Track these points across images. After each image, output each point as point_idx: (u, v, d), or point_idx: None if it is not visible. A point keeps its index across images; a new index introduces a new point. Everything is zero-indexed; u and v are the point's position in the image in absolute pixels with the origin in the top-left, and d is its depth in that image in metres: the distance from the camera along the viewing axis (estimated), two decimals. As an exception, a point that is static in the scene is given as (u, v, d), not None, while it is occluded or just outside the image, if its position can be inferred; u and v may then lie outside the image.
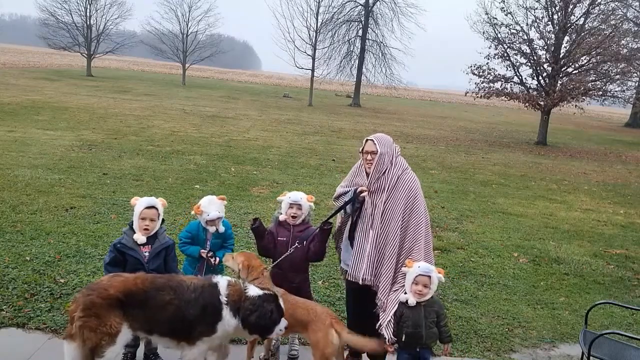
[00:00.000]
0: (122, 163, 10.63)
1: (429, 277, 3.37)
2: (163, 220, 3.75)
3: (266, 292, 3.28)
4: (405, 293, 3.43)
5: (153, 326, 3.16)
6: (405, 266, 3.46)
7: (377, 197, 3.61)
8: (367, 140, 3.68)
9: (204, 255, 3.94)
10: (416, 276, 3.37)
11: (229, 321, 3.17)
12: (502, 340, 4.66)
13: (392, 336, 3.42)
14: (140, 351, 3.82)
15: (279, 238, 3.90)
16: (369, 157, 3.62)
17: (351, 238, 3.75)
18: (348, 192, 3.77)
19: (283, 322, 3.29)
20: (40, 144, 11.76)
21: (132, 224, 3.64)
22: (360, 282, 3.63)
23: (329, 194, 9.21)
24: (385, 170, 3.61)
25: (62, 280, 4.88)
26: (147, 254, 3.59)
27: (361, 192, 3.63)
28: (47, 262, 5.26)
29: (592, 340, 3.63)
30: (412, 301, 3.38)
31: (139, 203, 3.63)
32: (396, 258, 3.58)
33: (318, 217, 7.26)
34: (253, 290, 3.25)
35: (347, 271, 3.78)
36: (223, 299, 3.17)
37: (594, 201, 11.73)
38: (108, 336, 3.02)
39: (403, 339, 3.39)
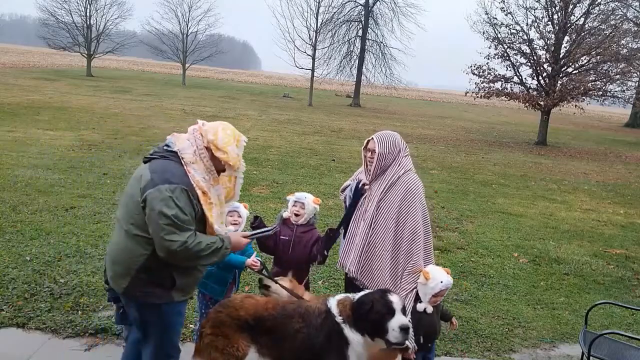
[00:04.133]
0: (123, 163, 10.63)
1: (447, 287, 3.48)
2: None
3: (373, 291, 3.08)
4: (420, 301, 3.48)
5: (282, 354, 3.01)
6: (417, 275, 3.47)
7: (374, 192, 3.62)
8: (370, 138, 3.67)
9: (254, 266, 3.52)
10: (439, 290, 3.45)
11: (355, 340, 2.92)
12: (502, 340, 4.66)
13: (414, 344, 3.43)
14: (140, 351, 3.83)
15: (281, 237, 3.90)
16: (369, 155, 3.63)
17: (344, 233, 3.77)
18: (350, 185, 3.81)
19: (398, 320, 2.85)
20: (40, 144, 11.76)
21: None
22: (346, 271, 3.64)
23: (329, 194, 9.22)
24: (387, 169, 3.60)
25: (62, 280, 4.88)
26: None
27: (364, 184, 3.64)
28: (47, 262, 5.26)
29: (592, 340, 3.63)
30: (430, 309, 3.47)
31: None
32: (390, 258, 3.54)
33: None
34: (359, 295, 3.06)
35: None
36: (338, 318, 2.96)
37: (594, 201, 11.73)
38: (234, 358, 2.94)
39: (421, 341, 3.44)
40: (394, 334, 2.85)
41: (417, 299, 3.50)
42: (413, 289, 3.49)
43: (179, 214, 2.57)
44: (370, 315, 2.88)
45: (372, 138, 3.64)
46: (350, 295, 3.12)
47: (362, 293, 3.08)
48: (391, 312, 2.87)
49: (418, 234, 3.55)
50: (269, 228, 3.30)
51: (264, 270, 3.55)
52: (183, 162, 2.68)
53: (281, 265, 3.84)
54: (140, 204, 2.64)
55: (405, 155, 3.70)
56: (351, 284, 3.74)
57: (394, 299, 2.93)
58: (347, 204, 3.80)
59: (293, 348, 2.97)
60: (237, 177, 2.98)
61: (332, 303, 3.04)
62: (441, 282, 3.41)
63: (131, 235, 2.70)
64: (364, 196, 3.65)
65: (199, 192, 2.65)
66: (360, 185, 3.67)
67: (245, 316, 2.98)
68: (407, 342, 3.38)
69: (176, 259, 2.66)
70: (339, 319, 2.95)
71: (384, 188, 3.58)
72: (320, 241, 3.86)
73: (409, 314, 3.43)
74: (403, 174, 3.61)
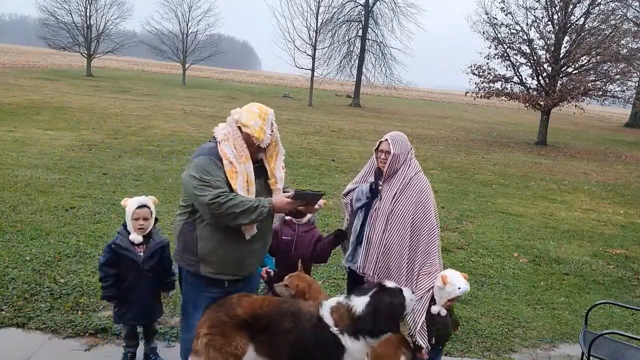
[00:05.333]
0: (122, 163, 10.63)
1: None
2: (156, 219, 3.75)
3: (373, 291, 3.03)
4: (434, 303, 3.46)
5: (276, 353, 3.01)
6: (434, 276, 3.46)
7: (386, 194, 3.60)
8: (382, 139, 3.63)
9: (265, 276, 3.74)
10: (455, 296, 3.43)
11: (353, 348, 2.93)
12: (502, 340, 4.66)
13: (427, 344, 3.43)
14: (140, 351, 3.83)
15: (282, 237, 3.90)
16: (382, 156, 3.60)
17: (358, 235, 3.72)
18: (357, 188, 3.77)
19: (408, 293, 3.07)
20: (40, 144, 11.76)
21: (126, 225, 3.64)
22: (361, 273, 3.62)
23: (329, 194, 9.21)
24: (399, 170, 3.60)
25: (62, 280, 4.88)
26: (142, 253, 3.61)
27: (377, 185, 3.62)
28: (47, 262, 5.26)
29: (592, 340, 3.63)
30: (443, 312, 3.45)
31: (130, 203, 3.62)
32: (407, 259, 3.54)
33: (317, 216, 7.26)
34: (359, 302, 2.99)
35: (349, 267, 3.78)
36: (334, 330, 2.93)
37: (594, 201, 11.73)
38: (233, 357, 2.93)
39: (433, 342, 3.44)
40: (411, 304, 3.08)
41: (431, 300, 3.49)
42: (429, 290, 3.48)
43: (204, 176, 2.96)
44: (393, 310, 2.98)
45: (386, 139, 3.60)
46: (341, 301, 3.07)
47: (363, 302, 3.00)
48: (400, 296, 3.04)
49: (435, 234, 3.57)
50: (314, 191, 3.30)
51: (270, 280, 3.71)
52: (217, 141, 3.10)
53: (284, 265, 3.84)
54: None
55: (413, 156, 3.70)
56: (355, 284, 3.72)
57: (390, 284, 3.07)
58: (354, 207, 3.75)
59: (285, 348, 2.97)
60: (278, 155, 3.26)
61: (325, 312, 2.99)
62: (459, 288, 3.38)
63: (179, 207, 3.26)
64: (378, 198, 3.62)
65: (225, 162, 3.02)
66: (374, 186, 3.64)
67: (243, 315, 2.97)
68: (420, 341, 3.39)
69: (214, 215, 2.94)
70: (334, 330, 2.93)
71: (397, 190, 3.57)
72: (325, 240, 3.86)
73: (424, 315, 3.43)
74: (414, 175, 3.62)
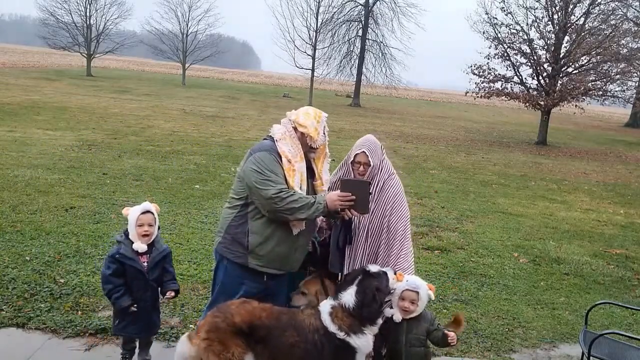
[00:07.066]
0: (122, 163, 10.63)
1: (417, 292, 3.14)
2: (159, 227, 3.67)
3: (358, 279, 3.07)
4: (392, 307, 3.23)
5: None
6: (394, 279, 3.25)
7: None
8: (359, 151, 3.51)
9: None
10: (403, 291, 3.14)
11: (362, 343, 2.98)
12: (502, 340, 4.66)
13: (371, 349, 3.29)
14: (140, 351, 3.82)
15: None
16: (361, 168, 3.51)
17: (337, 243, 3.66)
18: None
19: (391, 274, 3.14)
20: (40, 144, 11.75)
21: (127, 234, 3.52)
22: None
23: (329, 194, 9.21)
24: (375, 176, 3.55)
25: (62, 280, 4.88)
26: (146, 263, 3.49)
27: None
28: (47, 262, 5.26)
29: (592, 340, 3.63)
30: (397, 317, 3.16)
31: (134, 210, 3.50)
32: (388, 262, 3.51)
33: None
34: (347, 295, 3.04)
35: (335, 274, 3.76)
36: (340, 334, 2.95)
37: (594, 201, 11.72)
38: None
39: (384, 354, 3.29)
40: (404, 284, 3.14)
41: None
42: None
43: (266, 171, 3.11)
44: (371, 302, 2.99)
45: (363, 151, 3.49)
46: (334, 303, 3.06)
47: (350, 294, 3.03)
48: (385, 277, 3.13)
49: (408, 237, 3.55)
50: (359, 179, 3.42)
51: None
52: (274, 139, 3.24)
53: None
54: (239, 174, 3.27)
55: (385, 156, 3.63)
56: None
57: (374, 269, 3.14)
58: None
59: None
60: (325, 159, 3.45)
61: (326, 319, 2.99)
62: (406, 280, 3.16)
63: (228, 200, 3.35)
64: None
65: (284, 160, 3.17)
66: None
67: (240, 323, 2.97)
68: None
69: (274, 209, 3.08)
70: (341, 335, 2.94)
71: (373, 195, 3.50)
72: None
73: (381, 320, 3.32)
74: (387, 178, 3.57)
